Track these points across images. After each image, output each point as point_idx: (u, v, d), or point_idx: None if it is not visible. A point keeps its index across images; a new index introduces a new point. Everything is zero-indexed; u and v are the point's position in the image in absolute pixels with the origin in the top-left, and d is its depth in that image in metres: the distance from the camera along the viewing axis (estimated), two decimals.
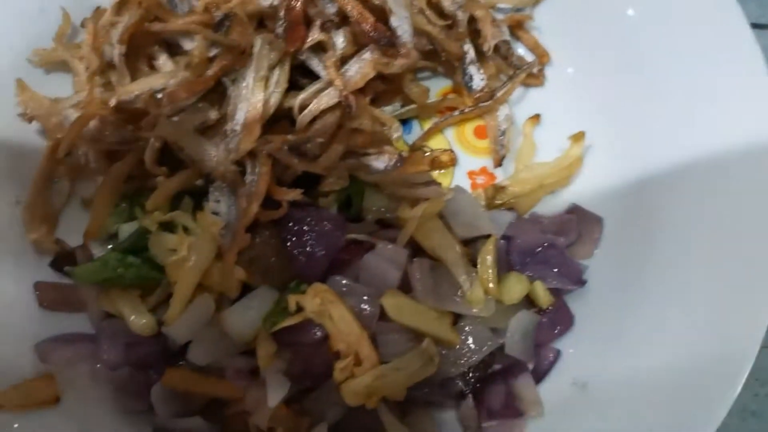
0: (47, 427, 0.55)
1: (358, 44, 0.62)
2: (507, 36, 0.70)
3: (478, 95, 0.70)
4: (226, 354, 0.56)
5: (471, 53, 0.70)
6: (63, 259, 0.62)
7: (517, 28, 0.73)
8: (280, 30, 0.60)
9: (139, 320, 0.58)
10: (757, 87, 0.59)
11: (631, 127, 0.68)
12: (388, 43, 0.61)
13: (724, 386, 0.52)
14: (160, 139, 0.61)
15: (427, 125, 0.71)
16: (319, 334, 0.54)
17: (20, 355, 0.58)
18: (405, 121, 0.71)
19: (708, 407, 0.52)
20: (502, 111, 0.71)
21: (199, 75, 0.59)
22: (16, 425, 0.55)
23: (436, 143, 0.71)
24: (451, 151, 0.69)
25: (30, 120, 0.64)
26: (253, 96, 0.59)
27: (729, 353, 0.53)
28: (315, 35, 0.60)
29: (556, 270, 0.60)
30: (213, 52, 0.61)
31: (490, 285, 0.57)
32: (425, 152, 0.69)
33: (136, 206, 0.63)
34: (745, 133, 0.59)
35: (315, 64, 0.61)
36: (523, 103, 0.73)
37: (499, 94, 0.70)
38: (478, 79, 0.70)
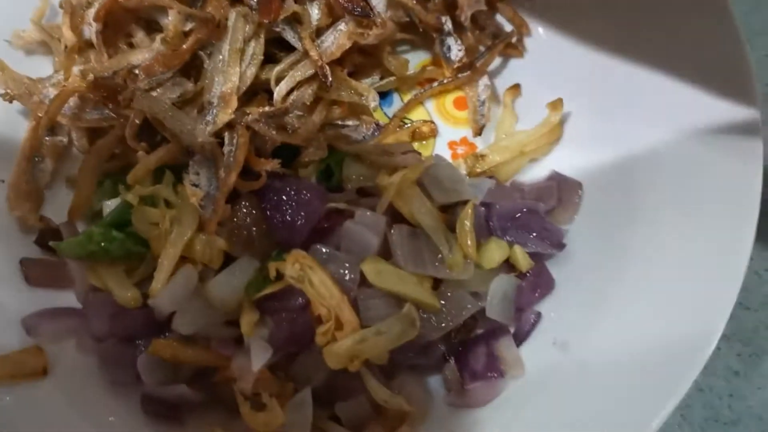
0: (37, 398, 0.56)
1: (333, 16, 0.62)
2: (483, 6, 0.70)
3: (457, 66, 0.70)
4: (211, 323, 0.57)
5: (448, 24, 0.70)
6: (48, 236, 0.62)
7: None
8: (254, 2, 0.60)
9: (124, 293, 0.59)
10: (737, 72, 0.59)
11: (612, 97, 0.68)
12: (363, 14, 0.61)
13: (698, 348, 0.52)
14: (140, 115, 0.61)
15: (407, 97, 0.72)
16: (300, 300, 0.55)
17: (7, 330, 0.59)
18: (385, 94, 0.71)
19: (683, 370, 0.52)
20: (482, 82, 0.71)
21: (175, 49, 0.60)
22: (8, 398, 0.56)
23: (416, 115, 0.71)
24: (432, 122, 0.70)
25: (11, 100, 0.64)
26: (229, 68, 0.59)
27: (703, 317, 0.54)
28: (289, 7, 0.61)
29: (535, 234, 0.61)
30: (188, 26, 0.61)
31: (469, 249, 0.57)
32: (405, 123, 0.69)
33: (119, 183, 0.64)
34: (719, 114, 0.59)
35: (290, 36, 0.61)
36: (503, 73, 0.74)
37: (477, 64, 0.70)
38: (456, 50, 0.70)
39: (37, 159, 0.66)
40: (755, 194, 0.57)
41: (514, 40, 0.72)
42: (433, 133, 0.69)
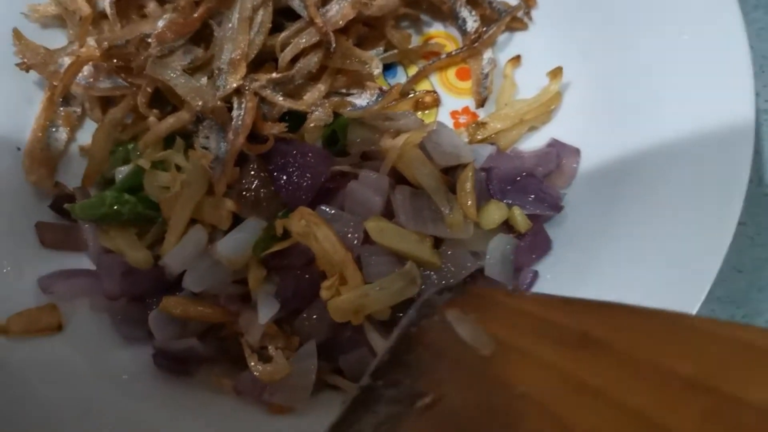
0: (52, 353, 0.58)
1: None
2: None
3: (473, 37, 0.71)
4: (220, 281, 0.59)
5: None
6: (63, 200, 0.65)
7: None
8: None
9: (136, 254, 0.61)
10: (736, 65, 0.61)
11: (610, 70, 0.69)
12: None
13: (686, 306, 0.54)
14: (152, 84, 0.64)
15: (411, 70, 0.73)
16: (306, 257, 0.57)
17: (24, 290, 0.61)
18: (389, 66, 0.73)
19: None
20: (486, 55, 0.73)
21: (186, 17, 0.62)
22: (25, 352, 0.58)
23: (420, 86, 0.73)
24: (434, 92, 0.72)
25: (27, 69, 0.67)
26: (238, 36, 0.61)
27: (690, 278, 0.55)
28: None
29: (533, 197, 0.62)
30: None
31: (469, 208, 0.59)
32: (409, 94, 0.71)
33: (132, 151, 0.66)
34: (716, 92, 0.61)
35: (296, 5, 0.63)
36: (504, 45, 0.75)
37: (485, 37, 0.72)
38: (472, 21, 0.72)
39: (52, 128, 0.69)
40: (745, 165, 0.58)
41: (520, 14, 0.73)
42: (436, 102, 0.71)
